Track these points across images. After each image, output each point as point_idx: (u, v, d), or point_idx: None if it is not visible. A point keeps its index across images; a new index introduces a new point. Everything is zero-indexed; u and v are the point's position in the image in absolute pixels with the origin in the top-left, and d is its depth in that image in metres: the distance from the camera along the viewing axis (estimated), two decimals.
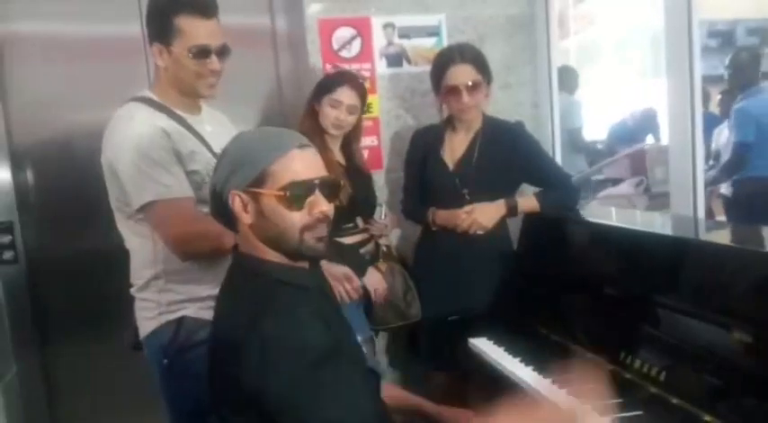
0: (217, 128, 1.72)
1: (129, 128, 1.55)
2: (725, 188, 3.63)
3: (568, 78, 4.65)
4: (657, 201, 3.46)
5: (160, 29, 1.57)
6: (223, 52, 1.61)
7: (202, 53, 1.56)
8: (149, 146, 1.52)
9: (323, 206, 1.15)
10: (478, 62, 2.04)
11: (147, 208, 1.53)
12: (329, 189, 1.18)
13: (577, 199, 2.19)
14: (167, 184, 1.52)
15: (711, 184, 3.58)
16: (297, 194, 1.13)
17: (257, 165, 1.13)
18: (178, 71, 1.59)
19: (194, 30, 1.55)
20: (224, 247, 1.59)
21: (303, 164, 1.15)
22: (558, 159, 2.59)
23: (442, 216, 2.07)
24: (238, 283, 1.19)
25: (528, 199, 2.11)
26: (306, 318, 1.10)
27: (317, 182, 1.15)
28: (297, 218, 1.14)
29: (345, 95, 2.04)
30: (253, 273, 1.17)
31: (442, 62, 2.05)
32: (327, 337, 1.10)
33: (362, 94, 2.10)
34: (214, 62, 1.58)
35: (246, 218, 1.15)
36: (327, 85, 2.06)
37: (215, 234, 1.56)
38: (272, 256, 1.18)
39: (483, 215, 2.02)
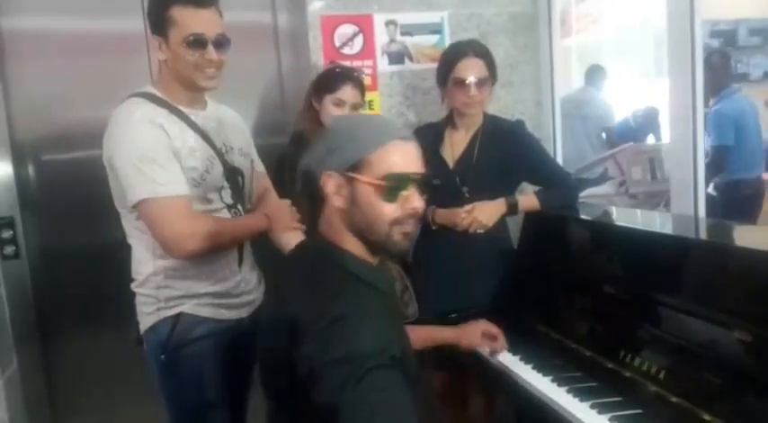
0: (223, 124, 1.72)
1: (127, 125, 1.54)
2: (710, 189, 3.67)
3: (597, 75, 4.81)
4: (636, 200, 3.53)
5: (157, 21, 1.57)
6: (221, 43, 1.59)
7: (198, 43, 1.55)
8: (146, 143, 1.52)
9: (416, 202, 1.13)
10: (489, 59, 2.04)
11: (142, 205, 1.52)
12: (424, 186, 1.16)
13: (577, 197, 2.19)
14: (162, 183, 1.51)
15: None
16: (393, 186, 1.10)
17: (358, 150, 1.11)
18: (176, 63, 1.58)
19: (188, 19, 1.54)
20: (221, 245, 1.60)
21: (403, 156, 1.12)
22: (560, 158, 2.59)
23: (441, 215, 2.07)
24: (313, 267, 1.15)
25: (528, 197, 2.11)
26: (382, 324, 1.07)
27: (414, 177, 1.13)
28: (389, 210, 1.12)
29: (349, 94, 2.03)
30: (329, 260, 1.14)
31: (453, 55, 2.04)
32: (395, 346, 1.07)
33: (363, 90, 2.10)
34: (211, 52, 1.57)
35: (338, 201, 1.13)
36: (328, 83, 2.05)
37: (211, 234, 1.55)
38: (352, 245, 1.15)
39: (483, 214, 2.02)
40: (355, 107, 2.06)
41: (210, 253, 1.59)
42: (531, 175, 2.15)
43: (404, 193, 1.12)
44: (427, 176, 1.16)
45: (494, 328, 1.64)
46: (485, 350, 1.71)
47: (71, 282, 2.37)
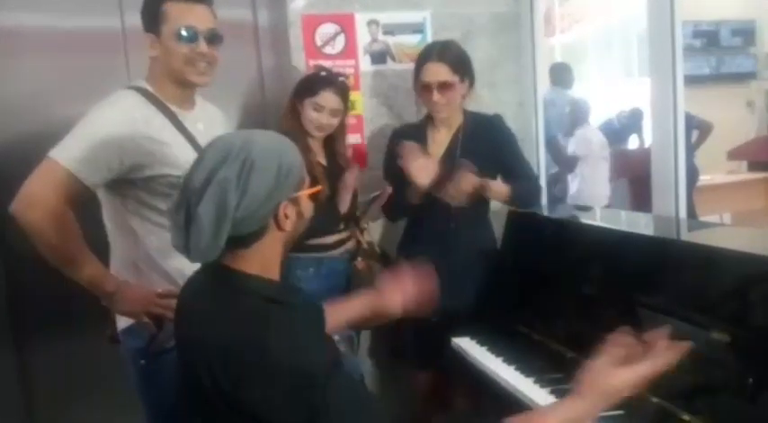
0: (209, 127, 1.70)
1: (109, 105, 1.54)
2: None
3: (563, 73, 4.74)
4: None
5: (150, 17, 1.57)
6: (213, 38, 1.60)
7: (189, 36, 1.55)
8: (108, 127, 1.50)
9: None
10: (456, 61, 2.02)
11: (46, 159, 1.48)
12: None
13: (540, 197, 2.19)
14: (79, 160, 1.46)
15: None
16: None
17: (298, 170, 1.13)
18: (168, 58, 1.58)
19: (180, 13, 1.55)
20: (44, 248, 1.48)
21: None
22: (542, 157, 2.59)
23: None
24: (223, 300, 1.09)
25: (500, 183, 2.06)
26: (308, 336, 1.06)
27: None
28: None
29: (328, 99, 2.02)
30: (240, 289, 1.09)
31: (420, 59, 2.06)
32: (330, 350, 1.08)
33: (345, 95, 2.08)
34: (201, 45, 1.57)
35: (289, 225, 1.11)
36: (310, 86, 2.04)
37: (47, 231, 1.45)
38: (258, 268, 1.11)
39: (465, 180, 1.97)
40: (334, 113, 2.05)
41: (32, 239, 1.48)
42: (501, 166, 2.11)
43: None
44: None
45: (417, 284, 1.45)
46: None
47: (47, 286, 2.31)
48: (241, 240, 1.07)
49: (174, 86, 1.62)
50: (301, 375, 0.97)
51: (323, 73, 2.11)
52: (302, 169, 1.14)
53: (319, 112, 2.02)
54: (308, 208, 1.17)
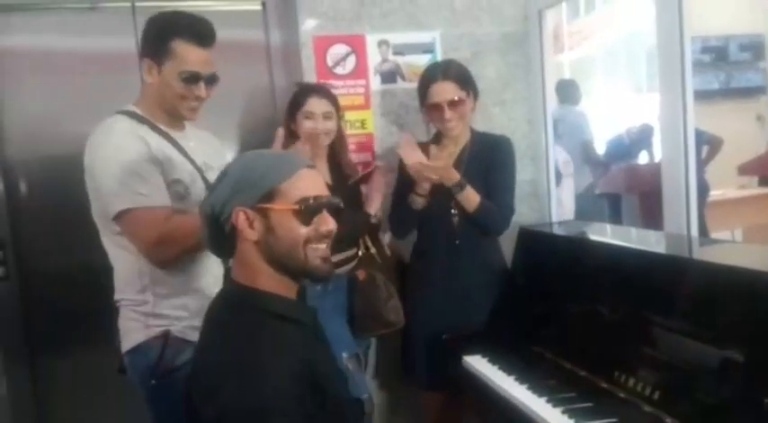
0: (200, 144, 1.74)
1: (108, 137, 1.57)
2: None
3: (569, 90, 4.74)
4: None
5: (155, 47, 1.60)
6: (212, 81, 1.65)
7: (192, 79, 1.60)
8: (128, 154, 1.53)
9: (330, 224, 1.18)
10: (461, 78, 2.05)
11: (123, 216, 1.53)
12: (334, 209, 1.21)
13: (504, 227, 2.12)
14: (144, 193, 1.52)
15: None
16: (309, 209, 1.15)
17: (267, 182, 1.14)
18: (164, 90, 1.61)
19: (189, 56, 1.59)
20: (194, 244, 1.52)
21: (311, 182, 1.18)
22: (552, 174, 2.59)
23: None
24: (229, 315, 1.17)
25: (474, 193, 2.04)
26: (291, 373, 1.08)
27: (325, 200, 1.18)
28: (304, 232, 1.15)
29: (315, 104, 2.03)
30: (247, 304, 1.16)
31: (425, 80, 2.07)
32: (305, 398, 1.08)
33: (333, 99, 2.08)
34: (201, 89, 1.62)
35: (252, 234, 1.15)
36: (296, 100, 2.06)
37: (183, 233, 1.53)
38: (268, 282, 1.17)
39: (442, 170, 1.99)
40: (327, 116, 2.04)
41: (190, 253, 1.58)
42: (485, 183, 2.09)
43: (317, 216, 1.17)
44: (336, 200, 1.22)
45: None
46: None
47: (61, 302, 2.34)
48: (228, 244, 1.18)
49: (164, 114, 1.66)
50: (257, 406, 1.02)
51: (301, 85, 2.14)
52: (286, 185, 1.14)
53: (312, 119, 2.02)
54: (283, 224, 1.14)
